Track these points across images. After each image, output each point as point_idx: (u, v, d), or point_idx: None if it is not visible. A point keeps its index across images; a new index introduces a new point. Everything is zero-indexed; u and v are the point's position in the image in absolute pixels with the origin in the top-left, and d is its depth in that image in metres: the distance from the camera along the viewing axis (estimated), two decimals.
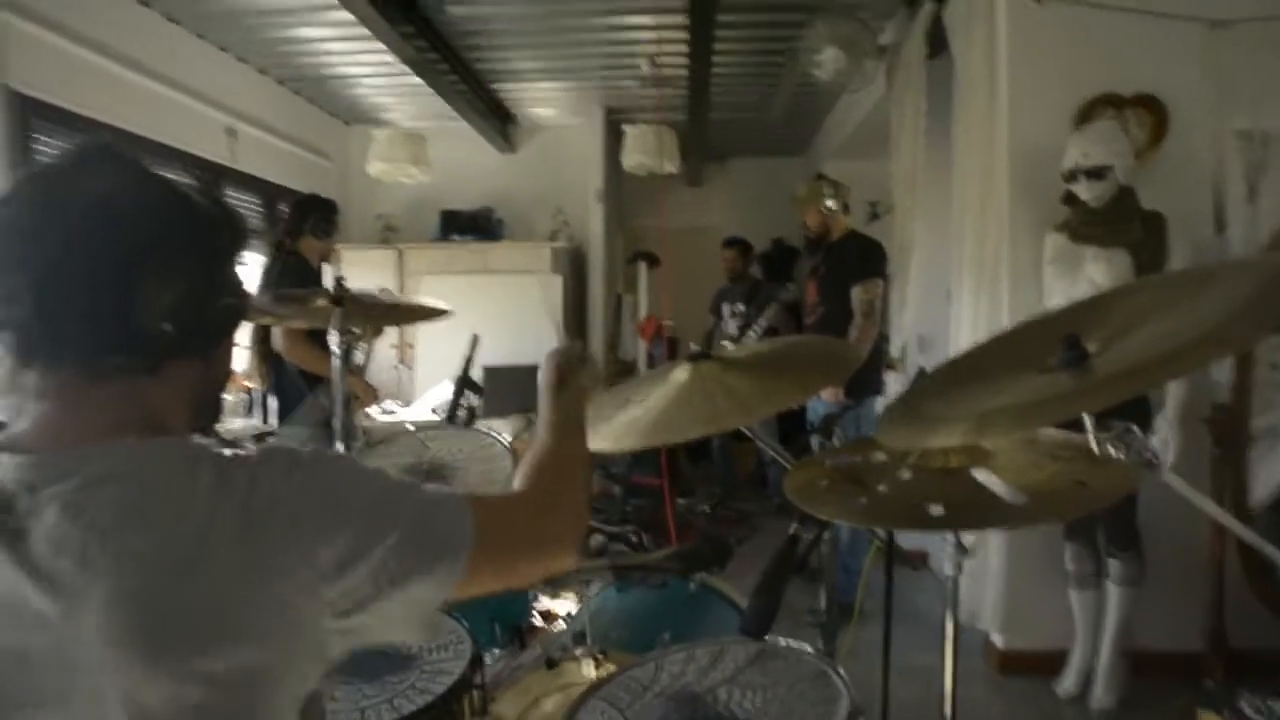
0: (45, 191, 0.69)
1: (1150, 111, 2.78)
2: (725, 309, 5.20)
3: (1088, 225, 2.53)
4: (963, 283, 3.04)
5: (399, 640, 0.77)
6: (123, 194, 0.69)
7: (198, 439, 0.72)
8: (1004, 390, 0.94)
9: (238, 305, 0.78)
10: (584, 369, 1.10)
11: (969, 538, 1.27)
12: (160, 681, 0.62)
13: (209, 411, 0.80)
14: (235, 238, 0.78)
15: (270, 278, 3.00)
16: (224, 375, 0.82)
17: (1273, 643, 0.76)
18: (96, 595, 0.61)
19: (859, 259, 3.34)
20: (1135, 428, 0.95)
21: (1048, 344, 0.97)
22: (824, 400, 3.24)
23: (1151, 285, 1.11)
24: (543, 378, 1.07)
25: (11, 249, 0.67)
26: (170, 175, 0.75)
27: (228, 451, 0.70)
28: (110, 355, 0.68)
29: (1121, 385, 0.79)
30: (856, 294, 3.28)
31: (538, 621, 2.01)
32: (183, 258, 0.71)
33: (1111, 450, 0.96)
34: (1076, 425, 1.00)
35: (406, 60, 4.08)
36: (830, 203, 3.40)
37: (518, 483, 0.90)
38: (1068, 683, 2.61)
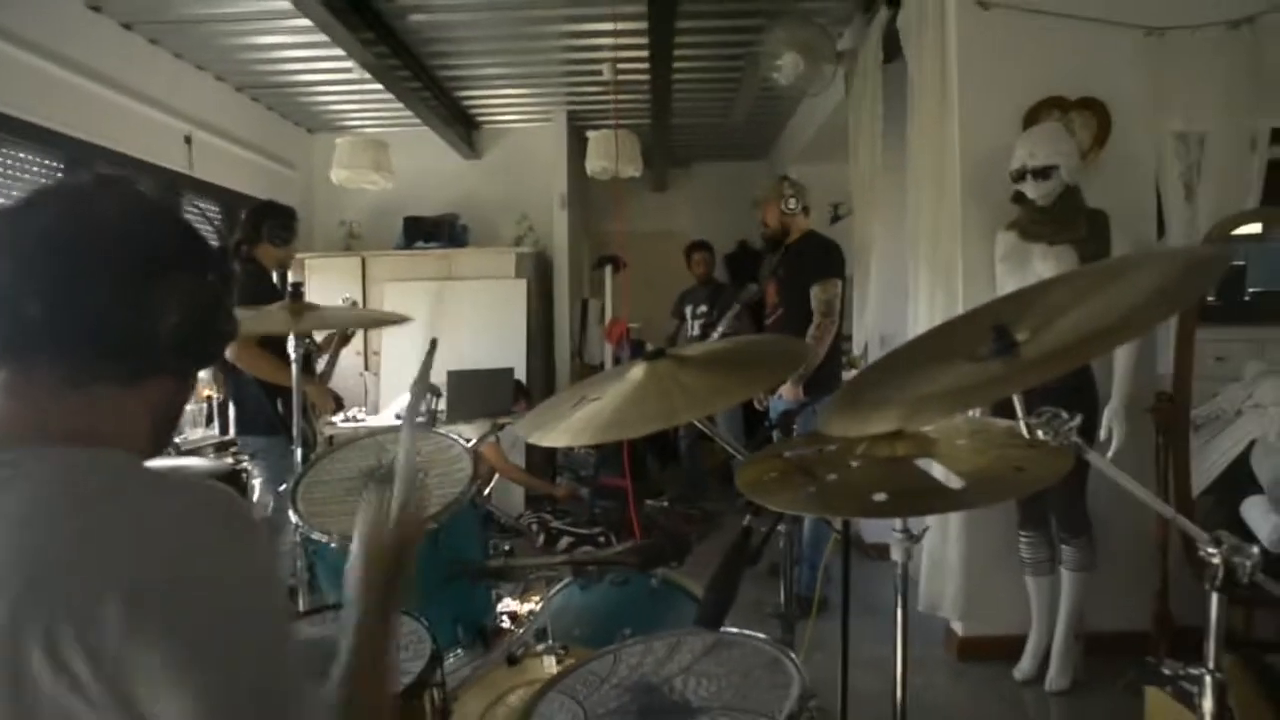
0: (70, 203, 0.72)
1: (1094, 114, 2.88)
2: (688, 310, 5.24)
3: (1036, 224, 2.61)
4: (919, 281, 3.11)
5: None
6: (146, 216, 0.74)
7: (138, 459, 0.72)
8: (937, 378, 0.98)
9: (221, 336, 0.79)
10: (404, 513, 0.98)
11: (919, 525, 1.31)
12: None
13: (165, 435, 0.80)
14: (228, 265, 0.82)
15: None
16: (185, 401, 0.83)
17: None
18: None
19: (817, 259, 3.39)
20: (1063, 413, 1.00)
21: (981, 336, 1.01)
22: (784, 399, 3.30)
23: (1077, 277, 1.16)
24: (359, 537, 0.95)
25: (26, 252, 0.68)
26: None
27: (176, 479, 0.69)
28: (95, 361, 0.70)
29: (1043, 369, 0.84)
30: (815, 293, 3.33)
31: (505, 624, 2.02)
32: (193, 281, 0.74)
33: (1040, 434, 1.00)
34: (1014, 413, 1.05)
35: (367, 66, 4.07)
36: (791, 203, 3.45)
37: (339, 691, 0.81)
38: (1025, 666, 2.68)
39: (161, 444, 0.79)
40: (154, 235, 0.73)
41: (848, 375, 4.00)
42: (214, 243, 0.80)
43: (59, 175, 3.58)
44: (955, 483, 1.06)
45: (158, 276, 0.71)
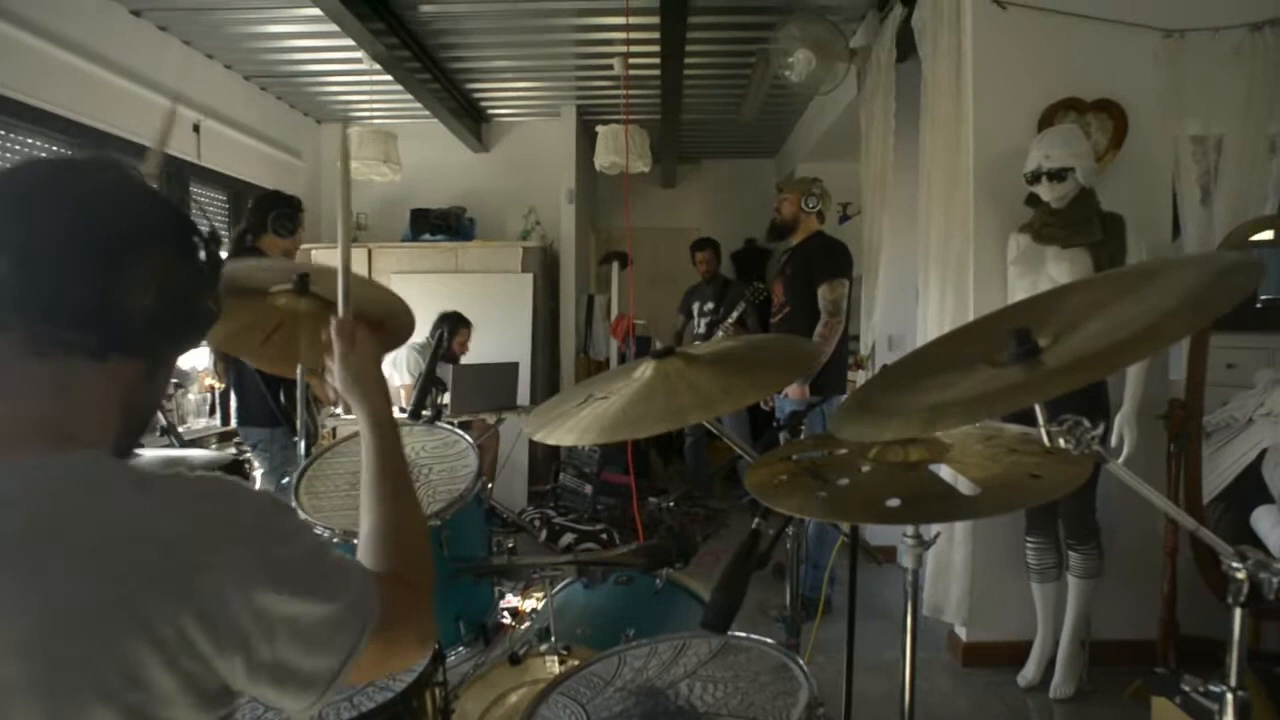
0: (55, 170, 0.71)
1: (1110, 116, 2.84)
2: (695, 308, 5.22)
3: (1050, 226, 2.58)
4: (929, 282, 3.08)
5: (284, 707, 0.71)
6: (120, 189, 0.72)
7: (113, 459, 0.68)
8: (956, 384, 0.95)
9: (198, 322, 0.76)
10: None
11: (929, 531, 1.29)
12: None
13: (136, 426, 0.76)
14: (215, 254, 0.78)
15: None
16: (159, 395, 0.80)
17: (1222, 630, 0.78)
18: None
19: (824, 259, 3.39)
20: (1085, 421, 0.98)
21: (1001, 339, 0.99)
22: (790, 398, 3.28)
23: (1100, 282, 1.14)
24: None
25: (2, 210, 0.67)
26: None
27: (162, 474, 0.66)
28: (65, 329, 0.67)
29: (1068, 377, 0.81)
30: (823, 293, 3.32)
31: (506, 620, 2.00)
32: (163, 259, 0.71)
33: (1061, 442, 0.98)
34: (1031, 421, 1.03)
35: (377, 57, 4.05)
36: (811, 202, 3.46)
37: (381, 558, 0.85)
38: (1029, 672, 2.66)
39: (129, 441, 0.75)
40: (135, 210, 0.72)
41: (854, 376, 3.98)
42: (204, 227, 0.76)
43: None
44: (967, 488, 1.03)
45: (134, 251, 0.69)
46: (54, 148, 3.51)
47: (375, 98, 5.19)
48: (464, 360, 4.40)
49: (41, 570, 0.58)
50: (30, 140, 3.39)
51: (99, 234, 0.68)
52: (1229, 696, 0.90)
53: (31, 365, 0.67)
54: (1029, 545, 2.65)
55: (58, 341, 0.67)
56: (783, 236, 3.56)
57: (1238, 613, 0.90)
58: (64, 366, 0.68)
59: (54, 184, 0.69)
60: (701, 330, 5.05)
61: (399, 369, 4.40)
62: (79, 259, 0.67)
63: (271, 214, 3.06)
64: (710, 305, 5.09)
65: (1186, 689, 0.89)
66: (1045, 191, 2.57)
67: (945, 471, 1.11)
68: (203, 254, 0.76)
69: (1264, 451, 2.58)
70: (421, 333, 4.40)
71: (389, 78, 4.37)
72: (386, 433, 0.95)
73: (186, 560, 0.62)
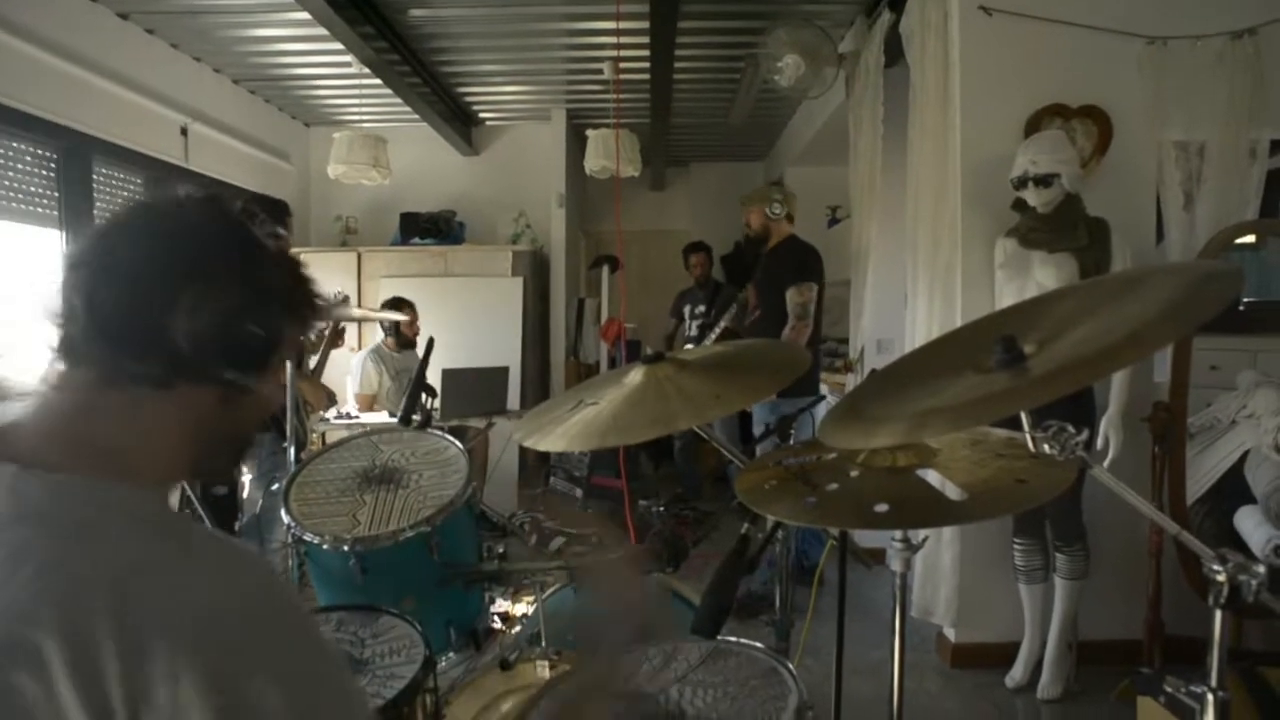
0: (131, 211, 0.74)
1: (1095, 122, 2.87)
2: (687, 311, 5.23)
3: (1036, 231, 2.61)
4: (917, 286, 3.10)
5: None
6: (187, 219, 0.73)
7: (155, 501, 0.69)
8: (944, 390, 0.96)
9: (272, 345, 0.75)
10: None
11: (917, 535, 1.31)
12: None
13: (217, 458, 0.76)
14: (288, 282, 0.78)
15: None
16: (243, 424, 0.78)
17: (1206, 629, 0.80)
18: None
19: (794, 263, 3.42)
20: (1069, 427, 0.99)
21: (987, 346, 1.00)
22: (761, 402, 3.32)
23: (1085, 289, 1.15)
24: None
25: (85, 257, 0.70)
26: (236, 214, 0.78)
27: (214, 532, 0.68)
28: (130, 359, 0.68)
29: (1054, 383, 0.82)
30: (790, 296, 3.35)
31: (496, 625, 2.00)
32: (226, 281, 0.72)
33: (1046, 448, 0.99)
34: (1017, 425, 1.04)
35: (366, 61, 4.04)
36: (775, 209, 3.48)
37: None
38: (1016, 673, 2.68)
39: (206, 463, 0.76)
40: (196, 238, 0.73)
41: (843, 379, 4.00)
42: (270, 248, 0.76)
43: (52, 165, 3.54)
44: (955, 493, 1.05)
45: (191, 268, 0.70)
46: (40, 151, 3.49)
47: (364, 101, 5.18)
48: (454, 365, 4.39)
49: (21, 581, 0.58)
50: (15, 145, 3.37)
51: (166, 259, 0.70)
52: (1209, 697, 0.91)
53: (103, 394, 0.68)
54: (1016, 547, 2.67)
55: (123, 372, 0.68)
56: (758, 247, 3.60)
57: (1218, 614, 0.91)
58: (131, 396, 0.69)
59: (129, 220, 0.73)
60: (693, 333, 5.06)
61: (353, 377, 4.36)
62: (137, 290, 0.68)
63: (259, 218, 3.05)
64: (702, 308, 5.11)
65: (1170, 689, 0.91)
66: (1032, 196, 2.59)
67: (933, 476, 1.12)
68: (276, 274, 0.76)
69: (1246, 452, 2.62)
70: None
71: (378, 81, 4.37)
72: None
73: (140, 622, 0.57)
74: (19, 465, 0.64)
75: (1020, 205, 2.69)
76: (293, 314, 0.78)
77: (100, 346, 0.68)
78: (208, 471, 0.76)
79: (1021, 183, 2.61)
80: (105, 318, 0.68)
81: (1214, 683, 0.92)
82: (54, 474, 0.64)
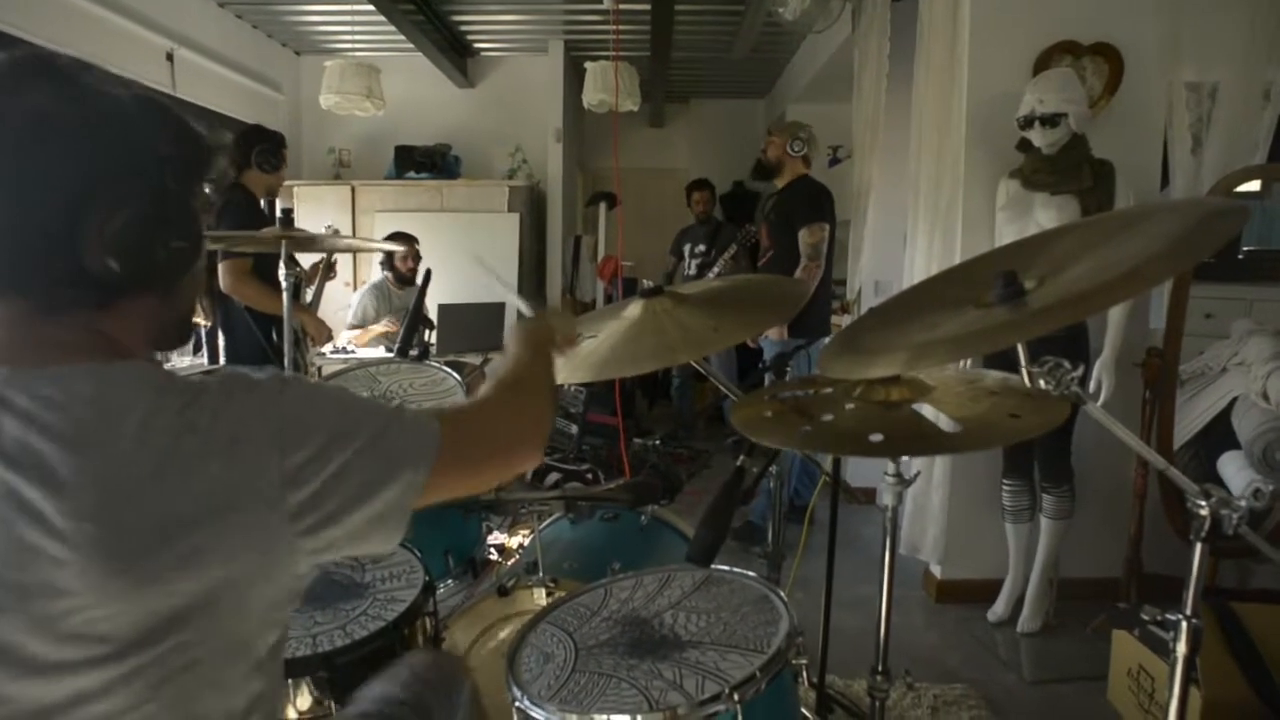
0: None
1: (1107, 60, 2.80)
2: (686, 249, 5.20)
3: (1039, 172, 2.57)
4: (918, 226, 3.08)
5: (369, 552, 0.79)
6: (63, 113, 0.65)
7: (159, 365, 0.72)
8: (943, 324, 0.97)
9: (193, 241, 0.74)
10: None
11: (909, 470, 1.33)
12: (123, 600, 0.62)
13: (171, 338, 0.78)
14: (193, 164, 0.74)
15: (213, 213, 2.91)
16: (187, 304, 0.80)
17: (1182, 568, 0.83)
18: (56, 508, 0.61)
19: (805, 204, 3.40)
20: (1065, 363, 1.00)
21: (988, 282, 1.00)
22: (771, 340, 3.34)
23: (1086, 226, 1.15)
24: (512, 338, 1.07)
25: None
26: (122, 88, 0.70)
27: (193, 376, 0.70)
28: (58, 289, 0.67)
29: (1053, 316, 0.83)
30: (802, 237, 3.36)
31: (493, 556, 2.05)
32: (131, 187, 0.67)
33: (1042, 383, 1.00)
34: (1014, 368, 1.05)
35: None
36: (796, 146, 3.45)
37: (482, 391, 0.91)
38: (999, 608, 2.76)
39: (164, 348, 0.79)
40: (80, 138, 0.65)
41: (840, 320, 4.00)
42: (166, 127, 0.71)
43: None
44: (948, 425, 1.06)
45: (90, 185, 0.66)
46: None
47: (357, 29, 5.01)
48: (451, 301, 4.37)
49: (102, 454, 0.63)
50: None
51: (62, 181, 0.65)
52: (1184, 624, 0.95)
53: (46, 321, 0.68)
54: (1005, 487, 2.72)
55: (61, 299, 0.68)
56: (767, 177, 3.59)
57: (1199, 547, 0.94)
58: (76, 318, 0.68)
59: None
60: (693, 272, 5.04)
61: (351, 310, 4.36)
62: (52, 219, 0.65)
63: (255, 150, 3.00)
64: (702, 247, 5.07)
65: (1145, 618, 0.94)
66: (1038, 137, 2.55)
67: (927, 410, 1.13)
68: (181, 162, 0.72)
69: (1234, 399, 2.65)
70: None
71: (371, 8, 4.22)
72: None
73: (224, 436, 0.66)
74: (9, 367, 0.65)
75: (1025, 145, 2.64)
76: (198, 181, 0.76)
77: (25, 278, 0.66)
78: (174, 345, 0.79)
79: (1028, 122, 2.56)
80: (20, 250, 0.65)
81: (1189, 611, 0.95)
82: (46, 368, 0.65)
